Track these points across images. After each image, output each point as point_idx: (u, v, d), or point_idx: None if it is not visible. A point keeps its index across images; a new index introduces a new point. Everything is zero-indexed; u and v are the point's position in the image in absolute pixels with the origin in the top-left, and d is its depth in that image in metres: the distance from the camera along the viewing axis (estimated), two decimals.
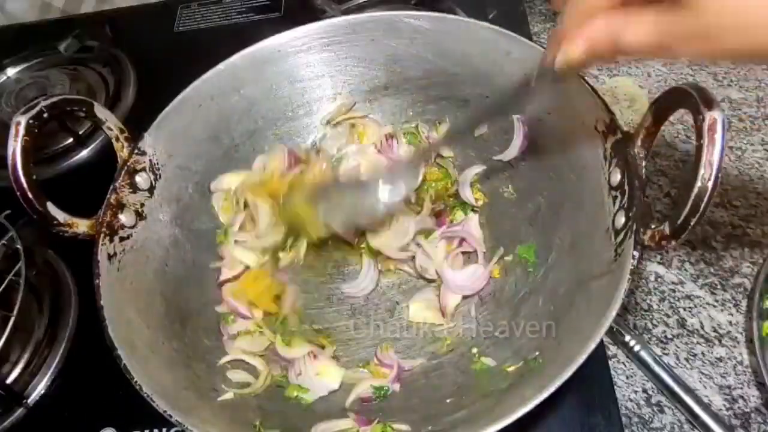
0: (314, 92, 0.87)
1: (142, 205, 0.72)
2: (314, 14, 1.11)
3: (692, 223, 0.48)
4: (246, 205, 0.81)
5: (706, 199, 0.47)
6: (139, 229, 0.71)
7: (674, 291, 0.80)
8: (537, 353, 0.64)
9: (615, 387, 0.71)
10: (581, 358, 0.52)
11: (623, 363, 0.75)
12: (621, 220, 0.59)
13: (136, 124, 0.74)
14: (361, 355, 0.75)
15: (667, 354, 0.75)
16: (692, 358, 0.75)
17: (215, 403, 0.65)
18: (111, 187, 0.69)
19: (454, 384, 0.70)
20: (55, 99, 0.64)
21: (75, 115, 0.68)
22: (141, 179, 0.72)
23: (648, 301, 0.80)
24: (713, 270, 0.81)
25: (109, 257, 0.66)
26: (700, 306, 0.78)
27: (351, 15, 0.85)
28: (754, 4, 0.39)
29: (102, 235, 0.66)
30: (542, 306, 0.71)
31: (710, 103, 0.47)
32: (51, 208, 0.63)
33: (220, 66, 0.79)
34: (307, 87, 0.87)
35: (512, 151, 0.80)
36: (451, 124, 0.86)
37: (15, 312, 0.77)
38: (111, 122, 0.70)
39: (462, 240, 0.80)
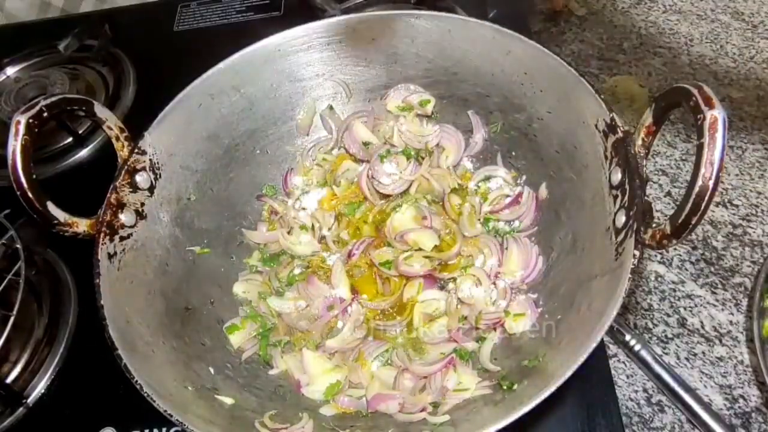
0: (314, 91, 0.87)
1: (143, 204, 0.72)
2: (314, 13, 1.11)
3: (693, 223, 0.48)
4: None
5: (706, 199, 0.47)
6: (139, 228, 0.71)
7: (675, 290, 0.80)
8: (537, 353, 0.64)
9: (615, 386, 0.71)
10: (581, 358, 0.52)
11: (624, 362, 0.75)
12: (621, 219, 0.59)
13: (136, 123, 0.74)
14: None
15: (667, 353, 0.75)
16: (693, 357, 0.75)
17: (215, 402, 0.65)
18: (111, 186, 0.69)
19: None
20: (55, 98, 0.64)
21: (75, 115, 0.68)
22: (141, 178, 0.72)
23: (648, 301, 0.80)
24: (714, 269, 0.81)
25: (110, 257, 0.66)
26: (701, 305, 0.78)
27: (351, 14, 0.84)
28: None
29: (102, 235, 0.66)
30: (542, 305, 0.71)
31: (711, 102, 0.47)
32: (51, 207, 0.63)
33: (220, 65, 0.79)
34: (308, 86, 0.86)
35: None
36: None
37: (15, 311, 0.77)
38: (111, 121, 0.70)
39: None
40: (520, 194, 0.80)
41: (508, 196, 0.81)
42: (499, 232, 0.80)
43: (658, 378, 0.72)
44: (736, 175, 0.89)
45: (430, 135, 0.85)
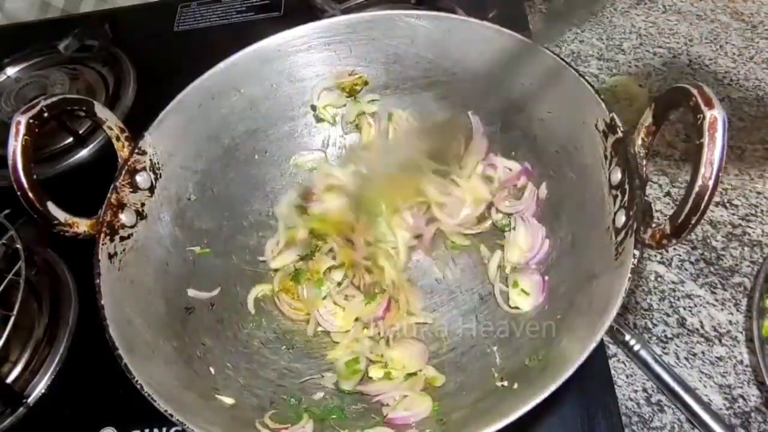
0: (314, 92, 0.87)
1: (143, 204, 0.72)
2: (314, 13, 1.11)
3: (693, 223, 0.48)
4: None
5: (706, 199, 0.47)
6: (139, 228, 0.71)
7: (674, 290, 0.80)
8: (537, 353, 0.64)
9: (615, 386, 0.71)
10: (581, 358, 0.52)
11: (623, 362, 0.75)
12: (621, 219, 0.59)
13: (136, 124, 0.74)
14: None
15: (667, 353, 0.75)
16: (692, 357, 0.75)
17: (216, 402, 0.65)
18: (111, 186, 0.69)
19: (455, 383, 0.70)
20: (55, 98, 0.64)
21: (75, 115, 0.68)
22: (141, 179, 0.72)
23: (648, 301, 0.80)
24: (713, 269, 0.81)
25: (110, 257, 0.66)
26: (700, 305, 0.78)
27: (351, 14, 0.85)
28: None
29: (102, 235, 0.66)
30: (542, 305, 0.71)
31: (710, 102, 0.47)
32: (51, 207, 0.63)
33: (220, 65, 0.79)
34: (308, 86, 0.86)
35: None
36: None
37: (15, 311, 0.77)
38: (111, 122, 0.70)
39: None
40: (526, 185, 0.80)
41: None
42: (497, 225, 0.81)
43: (657, 378, 0.72)
44: (736, 175, 0.89)
45: None
